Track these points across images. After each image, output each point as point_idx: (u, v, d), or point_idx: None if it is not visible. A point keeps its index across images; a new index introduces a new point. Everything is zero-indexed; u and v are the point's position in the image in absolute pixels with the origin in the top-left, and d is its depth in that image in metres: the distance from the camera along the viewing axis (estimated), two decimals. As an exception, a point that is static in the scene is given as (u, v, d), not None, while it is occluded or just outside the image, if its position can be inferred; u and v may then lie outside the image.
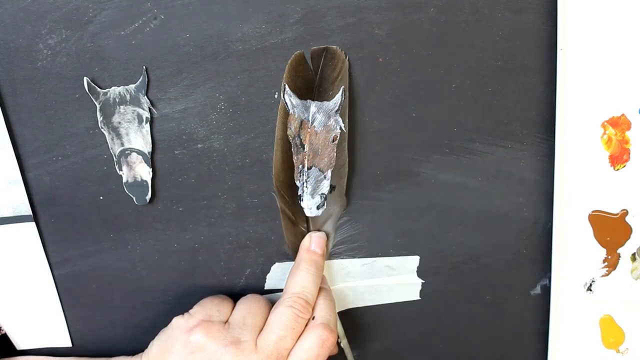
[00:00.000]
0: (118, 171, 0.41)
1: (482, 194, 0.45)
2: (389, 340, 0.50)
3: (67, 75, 0.39)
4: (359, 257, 0.46)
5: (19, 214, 0.42)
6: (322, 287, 0.43)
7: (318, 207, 0.43)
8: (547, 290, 0.47)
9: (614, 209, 0.45)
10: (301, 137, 0.41)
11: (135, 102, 0.40)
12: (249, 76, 0.40)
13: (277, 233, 0.44)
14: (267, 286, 0.46)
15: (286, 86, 0.40)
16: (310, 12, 0.39)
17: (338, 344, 0.46)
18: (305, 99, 0.41)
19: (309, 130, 0.41)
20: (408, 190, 0.44)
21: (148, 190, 0.42)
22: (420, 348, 0.50)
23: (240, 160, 0.42)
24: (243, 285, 0.46)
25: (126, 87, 0.39)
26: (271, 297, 0.45)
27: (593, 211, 0.45)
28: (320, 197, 0.43)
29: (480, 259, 0.47)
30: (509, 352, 0.51)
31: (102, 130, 0.40)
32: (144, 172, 0.41)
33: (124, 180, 0.41)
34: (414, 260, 0.46)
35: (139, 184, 0.42)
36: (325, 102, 0.41)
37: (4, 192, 0.41)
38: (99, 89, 0.39)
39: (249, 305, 0.42)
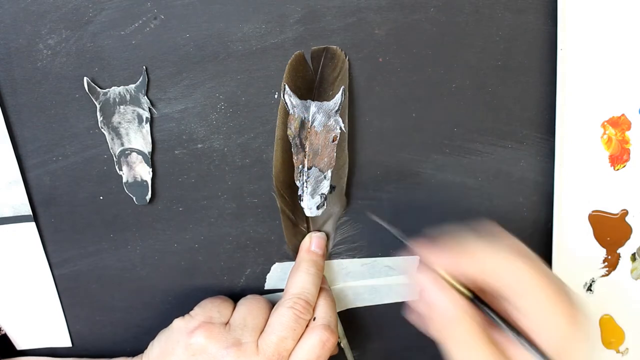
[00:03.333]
0: (118, 171, 0.41)
1: (482, 194, 0.45)
2: (389, 340, 0.50)
3: (67, 75, 0.39)
4: (359, 257, 0.46)
5: (19, 214, 0.42)
6: (323, 288, 0.43)
7: (318, 207, 0.43)
8: (547, 290, 0.47)
9: (614, 209, 0.45)
10: (301, 137, 0.41)
11: (135, 102, 0.40)
12: (249, 76, 0.40)
13: (277, 233, 0.44)
14: (267, 286, 0.46)
15: (286, 86, 0.40)
16: (310, 12, 0.39)
17: (338, 344, 0.46)
18: (305, 99, 0.41)
19: (309, 130, 0.41)
20: (408, 190, 0.44)
21: (148, 190, 0.42)
22: (420, 348, 0.50)
23: (240, 160, 0.42)
24: (243, 285, 0.46)
25: (126, 87, 0.39)
26: (271, 297, 0.45)
27: (593, 211, 0.45)
28: (320, 197, 0.43)
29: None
30: (509, 352, 0.51)
31: (102, 130, 0.40)
32: (144, 172, 0.41)
33: (124, 180, 0.41)
34: (414, 260, 0.46)
35: (139, 184, 0.42)
36: (325, 102, 0.41)
37: (4, 192, 0.41)
38: (99, 89, 0.39)
39: (249, 306, 0.42)
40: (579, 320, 0.33)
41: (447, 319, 0.34)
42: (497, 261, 0.34)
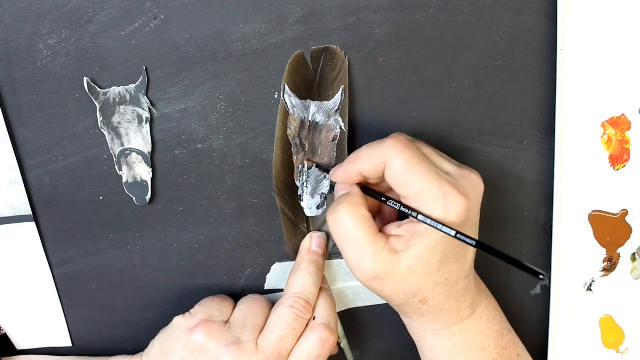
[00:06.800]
0: (118, 171, 0.41)
1: (482, 194, 0.45)
2: (389, 340, 0.50)
3: (67, 75, 0.39)
4: (359, 257, 0.46)
5: (19, 214, 0.42)
6: (323, 288, 0.43)
7: (318, 207, 0.43)
8: (547, 290, 0.47)
9: (614, 209, 0.45)
10: (301, 137, 0.41)
11: (135, 102, 0.40)
12: (249, 76, 0.40)
13: (277, 233, 0.44)
14: (267, 286, 0.46)
15: (286, 86, 0.40)
16: (310, 12, 0.39)
17: (338, 344, 0.46)
18: (305, 99, 0.41)
19: (308, 130, 0.41)
20: (408, 190, 0.44)
21: (148, 190, 0.42)
22: (420, 348, 0.50)
23: (240, 160, 0.42)
24: (243, 285, 0.46)
25: (126, 87, 0.39)
26: (271, 297, 0.45)
27: (593, 211, 0.45)
28: (321, 197, 0.43)
29: (480, 259, 0.47)
30: (509, 352, 0.51)
31: (102, 130, 0.40)
32: (144, 172, 0.41)
33: (124, 180, 0.41)
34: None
35: (139, 184, 0.42)
36: (325, 102, 0.41)
37: (4, 192, 0.41)
38: (99, 89, 0.39)
39: (249, 305, 0.42)
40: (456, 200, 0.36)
41: (338, 199, 0.38)
42: (374, 159, 0.37)
